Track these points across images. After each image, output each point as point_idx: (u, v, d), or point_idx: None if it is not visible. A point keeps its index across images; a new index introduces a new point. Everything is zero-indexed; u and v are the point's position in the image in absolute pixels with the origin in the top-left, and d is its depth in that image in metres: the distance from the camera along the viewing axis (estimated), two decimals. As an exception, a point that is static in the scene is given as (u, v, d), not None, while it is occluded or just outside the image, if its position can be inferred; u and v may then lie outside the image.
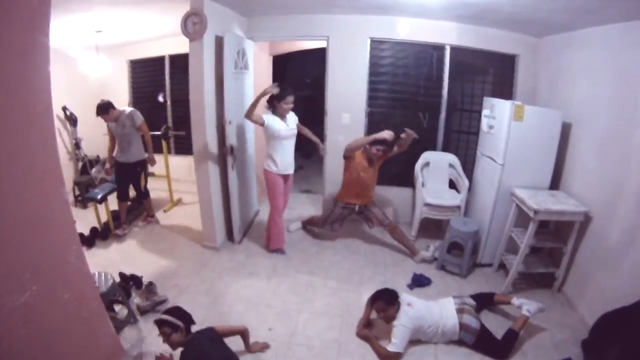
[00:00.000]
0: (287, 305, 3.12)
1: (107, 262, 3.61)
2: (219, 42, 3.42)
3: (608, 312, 2.39)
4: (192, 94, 3.43)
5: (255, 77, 4.40)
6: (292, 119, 3.62)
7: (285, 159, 3.60)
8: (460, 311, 2.68)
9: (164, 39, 4.99)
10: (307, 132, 3.86)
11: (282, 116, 3.50)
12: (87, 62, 4.84)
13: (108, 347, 2.39)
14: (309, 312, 3.04)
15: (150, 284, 3.20)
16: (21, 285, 1.71)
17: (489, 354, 2.59)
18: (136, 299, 3.11)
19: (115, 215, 4.27)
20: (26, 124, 1.74)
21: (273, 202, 3.68)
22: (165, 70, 5.46)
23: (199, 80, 3.35)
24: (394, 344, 2.52)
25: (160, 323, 2.20)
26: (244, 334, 2.54)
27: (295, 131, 3.64)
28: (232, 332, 2.46)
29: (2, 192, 1.62)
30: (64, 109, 4.94)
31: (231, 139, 3.64)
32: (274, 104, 3.45)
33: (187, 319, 2.26)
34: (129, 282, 3.22)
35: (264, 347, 2.64)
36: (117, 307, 2.92)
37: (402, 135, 3.48)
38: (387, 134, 3.42)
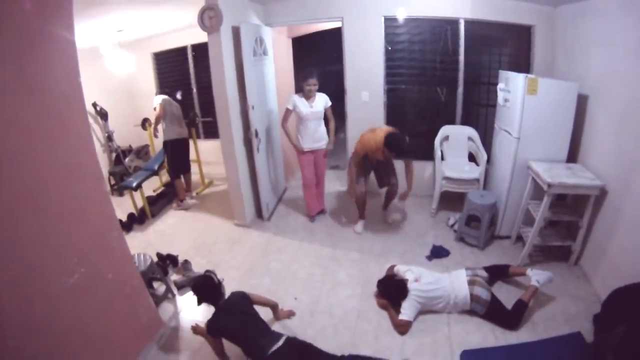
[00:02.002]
0: (312, 277, 3.35)
1: (145, 244, 3.94)
2: (236, 32, 3.56)
3: (619, 287, 2.39)
4: (215, 84, 3.62)
5: (277, 60, 4.54)
6: (321, 101, 3.86)
7: (309, 137, 3.90)
8: (471, 283, 2.78)
9: (185, 30, 5.14)
10: (332, 120, 4.05)
11: (307, 97, 3.79)
12: (112, 59, 5.09)
13: (148, 320, 2.70)
14: (331, 283, 3.25)
15: (186, 261, 3.50)
16: (70, 269, 1.99)
17: (500, 324, 2.69)
18: (173, 276, 3.42)
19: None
20: (65, 129, 2.00)
21: (302, 176, 4.08)
22: (189, 59, 5.65)
23: (220, 70, 3.53)
24: (403, 314, 2.70)
25: (195, 290, 2.45)
26: (274, 307, 2.77)
27: (321, 113, 3.87)
28: (263, 302, 2.66)
29: (48, 191, 1.89)
30: (94, 105, 5.23)
31: (255, 124, 3.83)
32: (302, 87, 3.76)
33: (218, 286, 2.46)
34: (165, 261, 3.52)
35: (290, 314, 2.90)
36: (156, 284, 3.22)
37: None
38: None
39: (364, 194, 3.86)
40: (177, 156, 4.72)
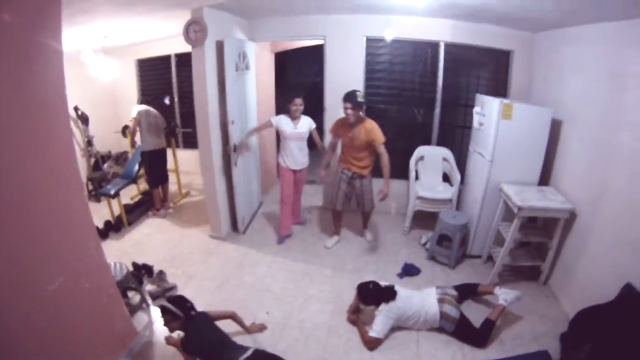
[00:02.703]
0: (285, 291, 3.37)
1: (121, 253, 3.89)
2: (220, 47, 3.59)
3: (585, 308, 2.51)
4: (197, 97, 3.65)
5: (258, 74, 4.59)
6: (305, 123, 3.87)
7: (291, 157, 3.91)
8: (441, 301, 2.85)
9: (170, 39, 5.16)
10: (318, 140, 4.10)
11: (293, 117, 3.80)
12: (96, 66, 5.11)
13: (123, 329, 2.71)
14: (303, 298, 3.28)
15: (161, 272, 3.49)
16: (51, 276, 2.02)
17: (468, 342, 2.76)
18: (148, 286, 3.40)
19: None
20: (51, 140, 2.02)
21: (281, 191, 4.05)
22: (172, 68, 5.67)
23: (202, 84, 3.56)
24: (374, 330, 2.73)
25: (163, 310, 2.46)
26: (234, 317, 2.79)
27: (304, 134, 3.88)
28: (222, 317, 2.70)
29: (34, 200, 1.91)
30: (76, 108, 5.19)
31: (234, 138, 3.86)
32: (288, 108, 3.78)
33: (188, 308, 2.51)
34: (141, 271, 3.49)
35: (262, 328, 2.92)
36: (131, 294, 3.18)
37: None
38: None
39: (340, 211, 3.94)
40: (154, 167, 4.69)
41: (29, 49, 1.83)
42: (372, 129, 3.54)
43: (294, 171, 4.01)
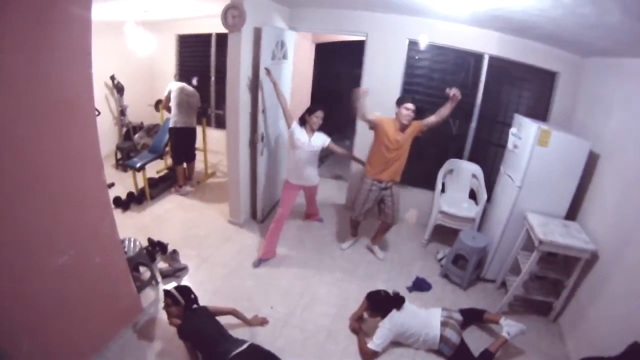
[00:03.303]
0: (292, 287, 3.39)
1: (140, 226, 4.01)
2: (258, 34, 3.57)
3: (588, 357, 2.41)
4: (229, 82, 3.65)
5: (297, 64, 4.54)
6: (320, 138, 3.58)
7: (297, 171, 3.61)
8: (444, 324, 2.80)
9: (211, 18, 5.13)
10: (340, 150, 3.79)
11: (310, 130, 3.52)
12: (134, 39, 5.16)
13: (129, 305, 2.82)
14: (309, 297, 3.29)
15: (174, 251, 3.56)
16: (60, 249, 2.10)
17: None
18: (160, 263, 3.49)
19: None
20: (72, 119, 2.07)
21: (279, 210, 3.66)
22: (212, 47, 5.67)
23: (236, 70, 3.56)
24: (373, 343, 2.71)
25: (166, 293, 2.54)
26: (235, 314, 2.83)
27: (316, 149, 3.57)
28: (222, 312, 2.74)
29: (49, 177, 1.98)
30: (112, 77, 5.30)
31: (263, 127, 3.86)
32: (305, 117, 3.52)
33: (192, 299, 2.58)
34: (155, 248, 3.59)
35: (263, 321, 2.95)
36: (143, 269, 3.29)
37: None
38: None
39: (359, 221, 3.86)
40: (179, 144, 4.76)
41: (52, 14, 1.81)
42: (414, 123, 3.42)
43: (299, 188, 3.76)
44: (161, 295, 3.10)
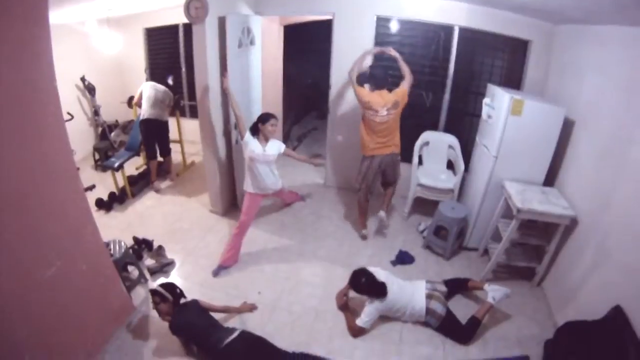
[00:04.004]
0: (277, 272, 3.44)
1: (124, 225, 4.00)
2: (222, 23, 3.51)
3: (573, 321, 2.49)
4: (197, 74, 3.61)
5: (265, 48, 4.48)
6: (274, 145, 3.42)
7: (260, 182, 3.44)
8: (429, 297, 2.86)
9: (178, 8, 5.01)
10: (297, 156, 3.73)
11: (264, 139, 3.35)
12: (99, 38, 5.07)
13: (120, 305, 2.85)
14: (295, 280, 3.35)
15: (160, 247, 3.58)
16: (48, 262, 2.13)
17: (453, 338, 2.79)
18: (147, 261, 3.51)
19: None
20: (41, 131, 2.06)
21: (241, 218, 3.47)
22: (180, 38, 5.57)
23: (203, 61, 3.51)
24: (361, 320, 2.78)
25: (153, 292, 2.58)
26: (226, 311, 2.88)
27: (272, 157, 3.40)
28: (213, 310, 2.78)
29: (27, 192, 1.98)
30: (83, 79, 5.21)
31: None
32: (257, 127, 3.33)
33: (178, 295, 2.62)
34: (141, 245, 3.61)
35: (252, 307, 3.01)
36: (131, 268, 3.31)
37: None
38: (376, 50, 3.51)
39: (366, 202, 3.85)
40: (151, 137, 4.70)
41: (5, 25, 1.76)
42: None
43: (263, 196, 3.60)
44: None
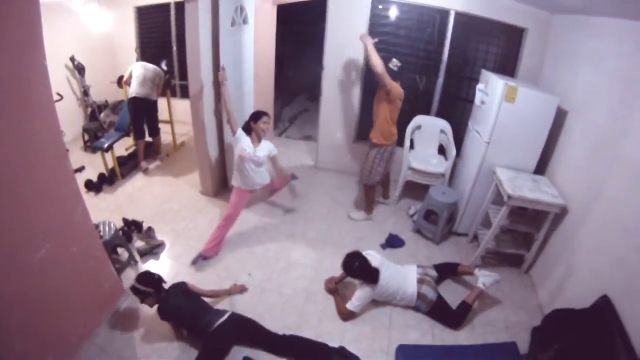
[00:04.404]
0: (267, 253, 3.45)
1: (114, 207, 3.96)
2: (215, 1, 3.42)
3: (560, 309, 2.52)
4: (189, 53, 3.53)
5: (258, 28, 4.38)
6: (266, 147, 3.39)
7: (248, 180, 3.41)
8: (420, 281, 2.88)
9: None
10: (278, 168, 3.66)
11: (257, 139, 3.34)
12: (88, 15, 4.97)
13: (110, 288, 2.83)
14: (285, 261, 3.36)
15: (149, 228, 3.56)
16: (37, 245, 2.09)
17: (443, 322, 2.82)
18: (137, 242, 3.48)
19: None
20: (30, 113, 1.98)
21: (228, 211, 3.42)
22: (171, 16, 5.45)
23: (195, 40, 3.43)
24: (352, 304, 2.78)
25: (133, 291, 2.53)
26: (215, 296, 2.87)
27: (262, 159, 3.36)
28: (203, 295, 2.76)
29: (15, 174, 1.92)
30: (72, 58, 5.08)
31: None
32: (250, 125, 3.30)
33: (157, 282, 2.55)
34: (131, 227, 3.57)
35: (242, 289, 3.01)
36: (120, 250, 3.28)
37: None
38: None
39: (377, 183, 3.83)
40: (138, 116, 4.63)
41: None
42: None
43: (251, 191, 3.55)
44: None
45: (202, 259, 3.26)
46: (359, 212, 4.05)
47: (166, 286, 2.62)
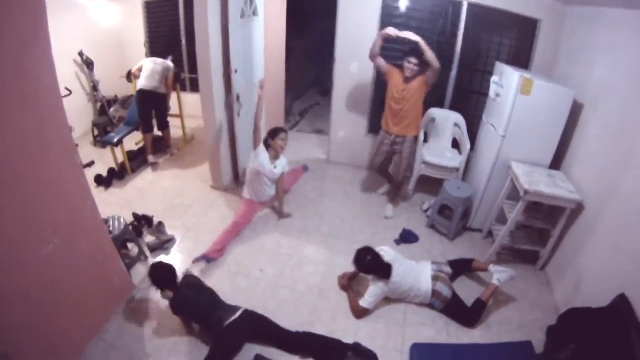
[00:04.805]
0: (280, 248, 3.41)
1: (124, 202, 3.94)
2: (225, -8, 3.37)
3: (577, 307, 2.46)
4: (199, 45, 3.48)
5: (268, 20, 4.33)
6: (282, 164, 3.57)
7: (261, 194, 3.61)
8: (435, 278, 2.82)
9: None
10: (281, 189, 3.73)
11: (275, 156, 3.50)
12: (96, 10, 4.96)
13: (120, 283, 2.81)
14: (298, 257, 3.32)
15: (160, 223, 3.53)
16: (44, 240, 2.06)
17: (457, 320, 2.76)
18: (147, 237, 3.46)
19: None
20: (37, 107, 1.96)
21: (238, 219, 3.49)
22: (180, 10, 5.41)
23: (204, 32, 3.38)
24: (365, 301, 2.73)
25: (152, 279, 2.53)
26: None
27: (277, 177, 3.59)
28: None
29: (22, 169, 1.91)
30: (81, 54, 5.07)
31: (238, 88, 3.73)
32: (268, 142, 3.44)
33: (169, 276, 2.54)
34: (141, 222, 3.54)
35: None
36: (131, 245, 3.27)
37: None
38: (391, 31, 3.31)
39: (377, 164, 3.87)
40: (146, 109, 4.60)
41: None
42: (419, 78, 3.40)
43: (262, 204, 3.75)
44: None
45: (205, 261, 3.16)
46: (389, 206, 4.00)
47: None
